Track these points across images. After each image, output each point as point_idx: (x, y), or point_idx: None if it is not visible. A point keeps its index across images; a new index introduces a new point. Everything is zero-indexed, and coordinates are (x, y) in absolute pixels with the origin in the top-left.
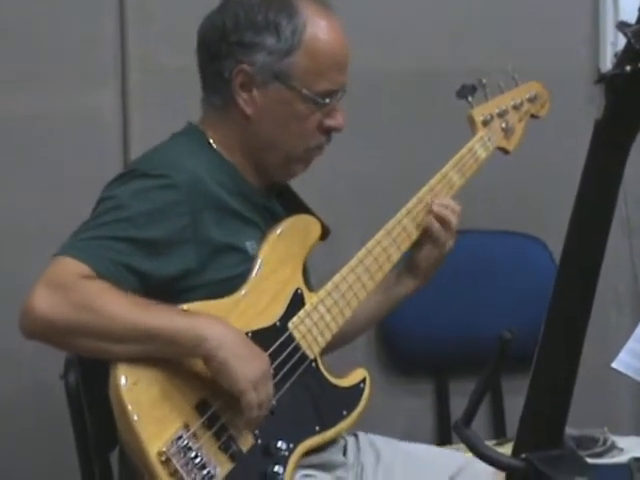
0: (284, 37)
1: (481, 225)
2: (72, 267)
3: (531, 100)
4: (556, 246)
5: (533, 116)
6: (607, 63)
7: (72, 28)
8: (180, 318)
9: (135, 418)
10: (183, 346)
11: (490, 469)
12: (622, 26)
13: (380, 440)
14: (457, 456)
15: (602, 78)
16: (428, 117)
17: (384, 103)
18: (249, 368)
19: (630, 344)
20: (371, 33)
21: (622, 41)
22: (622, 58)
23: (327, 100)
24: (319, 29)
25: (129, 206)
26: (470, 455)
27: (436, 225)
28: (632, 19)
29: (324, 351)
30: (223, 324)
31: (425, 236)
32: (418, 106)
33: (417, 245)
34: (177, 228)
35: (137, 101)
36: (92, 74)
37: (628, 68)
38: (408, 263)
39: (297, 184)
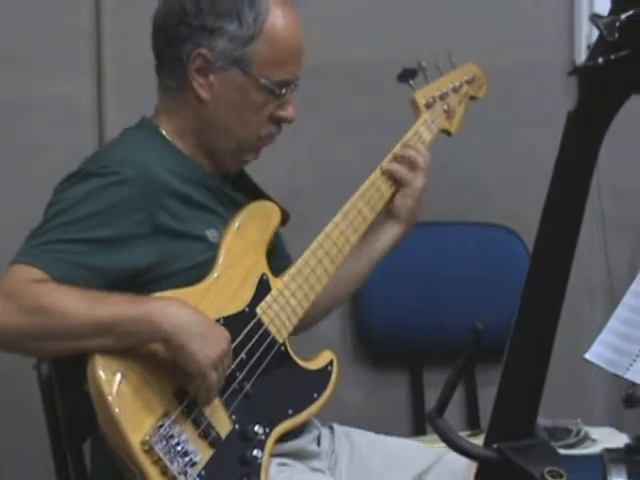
0: (246, 24)
1: (455, 217)
2: (23, 274)
3: (469, 82)
4: (529, 237)
5: (472, 98)
6: (582, 55)
7: (49, 16)
8: (133, 306)
9: (116, 410)
10: (141, 335)
11: (464, 462)
12: (595, 18)
13: (355, 433)
14: (431, 449)
15: (575, 70)
16: (384, 101)
17: (337, 93)
18: (207, 348)
19: (603, 335)
20: (335, 24)
21: (596, 34)
22: (595, 50)
23: (283, 91)
24: (279, 19)
25: (79, 208)
26: (444, 446)
27: (399, 168)
28: (606, 11)
29: (305, 325)
30: (177, 305)
31: (397, 184)
32: (374, 92)
33: (391, 199)
34: (132, 224)
35: (113, 90)
36: (68, 63)
37: (600, 60)
38: (388, 213)
39: (259, 168)
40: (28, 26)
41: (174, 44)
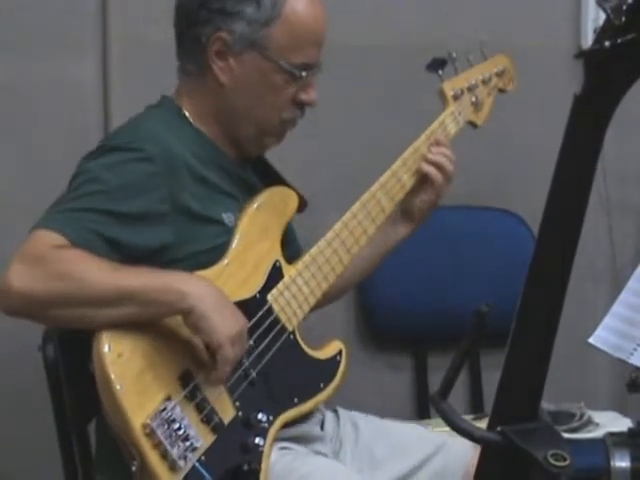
0: (264, 7)
1: (460, 201)
2: (46, 239)
3: (499, 74)
4: (534, 221)
5: (501, 90)
6: (588, 39)
7: None
8: (158, 276)
9: (119, 390)
10: (163, 303)
11: (469, 447)
12: (601, 1)
13: (360, 417)
14: (436, 434)
15: (581, 53)
16: (405, 92)
17: (360, 78)
18: (228, 323)
19: (607, 320)
20: (351, 9)
21: (603, 17)
22: (601, 33)
23: (304, 73)
24: (299, 3)
25: (104, 180)
26: (448, 431)
27: (433, 170)
28: None
29: (320, 305)
30: (202, 281)
31: (421, 182)
32: (394, 81)
33: (412, 192)
34: (154, 201)
35: (118, 72)
36: (73, 44)
37: (607, 43)
38: (401, 210)
39: (275, 156)
40: (33, 8)
41: (194, 27)
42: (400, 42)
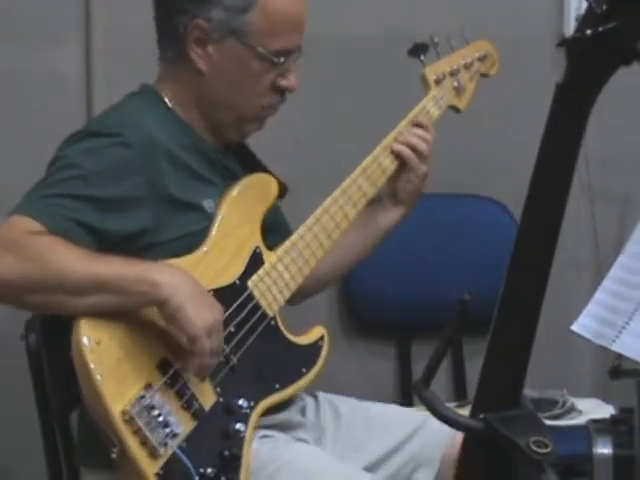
0: None
1: (442, 188)
2: (22, 225)
3: (481, 59)
4: (517, 209)
5: (483, 75)
6: (571, 28)
7: None
8: (132, 266)
9: (98, 378)
10: (137, 294)
11: (448, 428)
12: None
13: (339, 400)
14: (415, 414)
15: (563, 42)
16: (387, 78)
17: (340, 64)
18: (204, 314)
19: (590, 307)
20: None
21: (585, 5)
22: (583, 22)
23: (282, 59)
24: None
25: (82, 165)
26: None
27: (404, 149)
28: None
29: (303, 296)
30: (178, 271)
31: (402, 165)
32: (376, 68)
33: (397, 176)
34: (131, 186)
35: (101, 60)
36: (56, 32)
37: (589, 32)
38: (389, 195)
39: (256, 143)
40: None
41: (172, 16)
42: (381, 29)
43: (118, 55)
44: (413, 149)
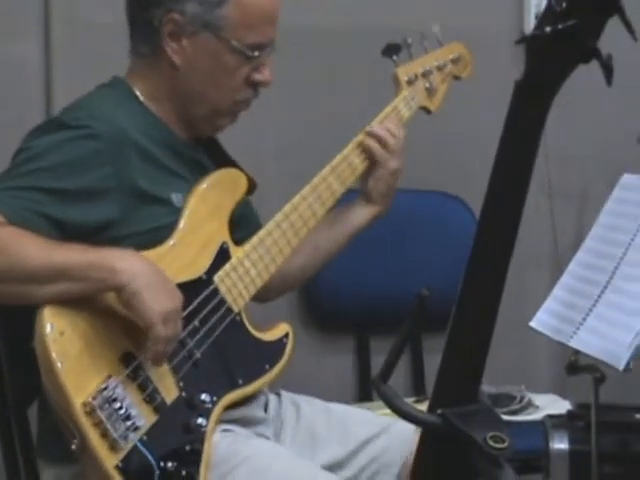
0: None
1: (405, 184)
2: None
3: (454, 61)
4: (477, 206)
5: (456, 77)
6: (531, 25)
7: None
8: (92, 253)
9: (60, 369)
10: (96, 280)
11: (411, 432)
12: None
13: (302, 399)
14: (379, 417)
15: (523, 39)
16: (354, 74)
17: (310, 59)
18: (161, 301)
19: (548, 304)
20: None
21: (545, 3)
22: (542, 19)
23: (256, 53)
24: None
25: (47, 157)
26: (391, 414)
27: (372, 142)
28: None
29: (275, 294)
30: (138, 258)
31: (370, 162)
32: (344, 63)
33: (368, 174)
34: (98, 178)
35: (60, 54)
36: (15, 26)
37: (548, 29)
38: (361, 194)
39: (223, 138)
40: None
41: (146, 9)
42: (353, 25)
43: (78, 46)
44: (382, 143)
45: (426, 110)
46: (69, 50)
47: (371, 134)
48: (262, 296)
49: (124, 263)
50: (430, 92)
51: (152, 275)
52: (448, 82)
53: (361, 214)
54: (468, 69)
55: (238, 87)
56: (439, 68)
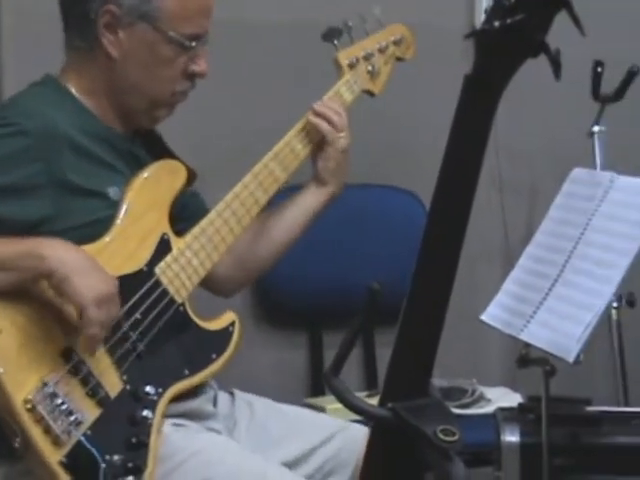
0: None
1: (358, 179)
2: None
3: (396, 43)
4: (428, 199)
5: (399, 59)
6: (481, 19)
7: None
8: (21, 242)
9: (0, 366)
10: (26, 269)
11: (365, 433)
12: None
13: (256, 399)
14: (333, 420)
15: (472, 33)
16: (297, 59)
17: (252, 46)
18: (93, 285)
19: (498, 297)
20: None
21: None
22: (491, 14)
23: (193, 43)
24: None
25: None
26: (343, 409)
27: (321, 123)
28: None
29: (243, 282)
30: (67, 245)
31: (319, 144)
32: (286, 49)
33: (316, 157)
34: (27, 175)
35: (10, 45)
36: None
37: (497, 24)
38: (313, 177)
39: (163, 128)
40: None
41: (81, 2)
42: (293, 15)
43: (29, 38)
44: (329, 121)
45: (369, 93)
46: (19, 41)
47: (317, 113)
48: (223, 288)
49: (52, 250)
50: (373, 75)
51: (81, 260)
52: (391, 64)
53: (314, 198)
54: (411, 50)
55: (175, 78)
56: (381, 50)
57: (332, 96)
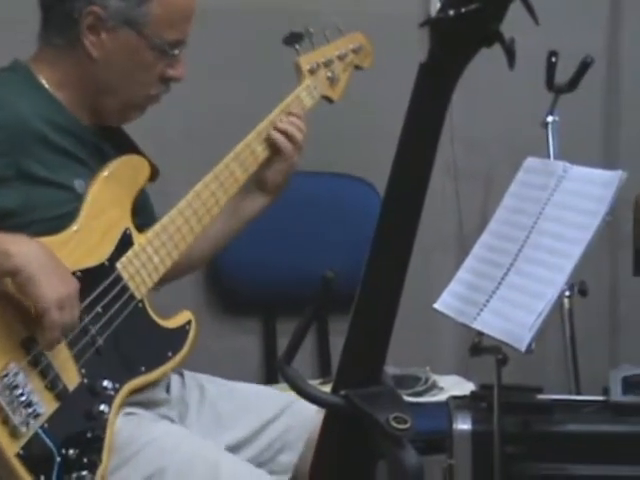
0: None
1: (310, 167)
2: None
3: (355, 51)
4: (384, 187)
5: (357, 67)
6: (436, 8)
7: None
8: None
9: None
10: None
11: (314, 409)
12: None
13: (205, 379)
14: (282, 395)
15: (427, 21)
16: (259, 60)
17: (215, 42)
18: (56, 286)
19: (452, 285)
20: None
21: None
22: (446, 2)
23: (176, 51)
24: None
25: None
26: (295, 396)
27: (281, 138)
28: None
29: (169, 279)
30: (33, 243)
31: (273, 153)
32: (248, 50)
33: (265, 163)
34: None
35: None
36: None
37: (451, 12)
38: (257, 183)
39: (130, 125)
40: None
41: (65, 2)
42: (258, 10)
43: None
44: (289, 138)
45: (328, 99)
46: None
47: (278, 128)
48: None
49: (18, 247)
50: (332, 81)
51: (47, 260)
52: (349, 72)
53: (255, 205)
54: (369, 59)
55: (152, 82)
56: (340, 58)
57: (292, 102)
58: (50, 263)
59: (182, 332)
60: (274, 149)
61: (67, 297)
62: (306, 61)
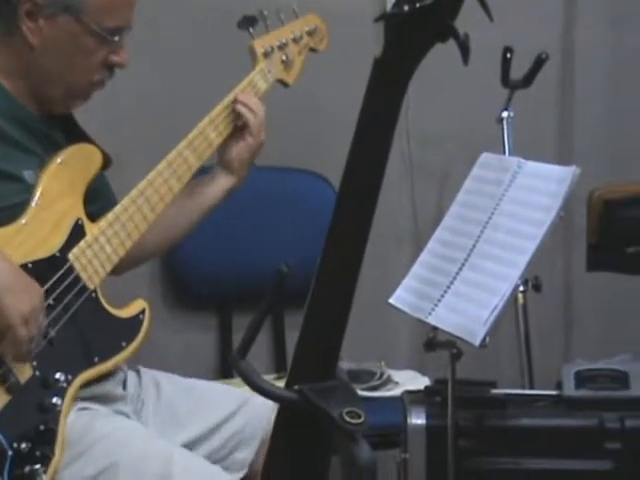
0: None
1: (269, 162)
2: None
3: (310, 33)
4: (339, 182)
5: (312, 50)
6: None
7: None
8: None
9: None
10: None
11: (270, 404)
12: None
13: (162, 376)
14: (239, 392)
15: (381, 17)
16: (214, 45)
17: (169, 27)
18: (19, 302)
19: (407, 280)
20: None
21: None
22: None
23: (116, 38)
24: None
25: None
26: (249, 390)
27: (247, 112)
28: None
29: (126, 267)
30: None
31: (235, 131)
32: (203, 34)
33: (228, 143)
34: None
35: None
36: None
37: (406, 7)
38: (222, 164)
39: (80, 111)
40: None
41: None
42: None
43: None
44: (251, 110)
45: (283, 83)
46: None
47: (241, 102)
48: (114, 269)
49: None
50: (287, 65)
51: (6, 274)
52: (305, 54)
53: (220, 187)
54: (324, 41)
55: (94, 69)
56: (295, 40)
57: (247, 86)
58: (11, 276)
59: (136, 321)
60: (236, 128)
61: (31, 311)
62: (260, 44)
